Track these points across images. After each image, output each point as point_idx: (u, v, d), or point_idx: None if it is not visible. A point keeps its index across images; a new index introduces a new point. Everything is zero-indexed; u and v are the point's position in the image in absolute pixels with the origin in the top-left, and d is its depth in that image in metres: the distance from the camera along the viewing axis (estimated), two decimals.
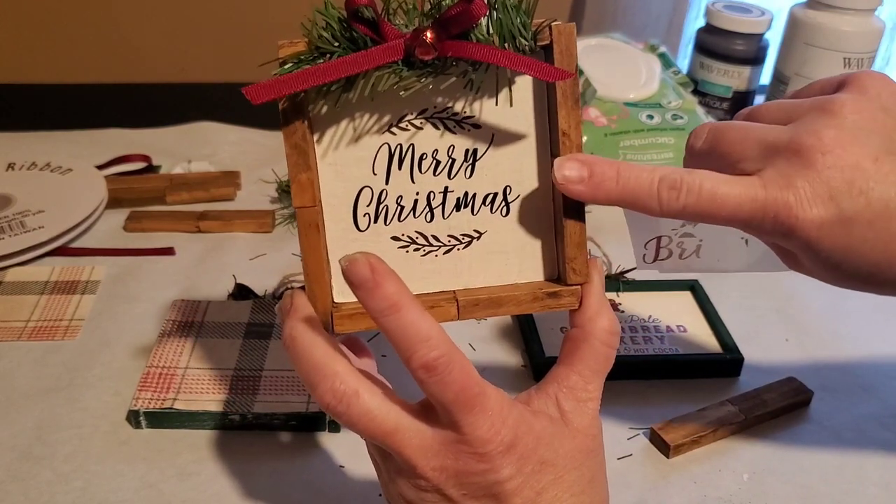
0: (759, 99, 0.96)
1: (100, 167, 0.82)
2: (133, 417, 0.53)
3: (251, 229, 0.75)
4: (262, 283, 0.67)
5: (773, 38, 0.92)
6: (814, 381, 0.59)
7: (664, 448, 0.53)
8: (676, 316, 0.64)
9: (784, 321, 0.66)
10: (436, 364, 0.34)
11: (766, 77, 0.93)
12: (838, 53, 0.82)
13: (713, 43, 0.92)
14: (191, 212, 0.75)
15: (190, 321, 0.60)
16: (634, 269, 0.69)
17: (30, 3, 1.05)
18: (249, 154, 0.87)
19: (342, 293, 0.40)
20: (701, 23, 0.96)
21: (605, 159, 0.38)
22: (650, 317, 0.64)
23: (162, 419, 0.53)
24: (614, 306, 0.65)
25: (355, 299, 0.38)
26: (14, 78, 1.05)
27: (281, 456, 0.52)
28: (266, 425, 0.53)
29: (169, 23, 1.08)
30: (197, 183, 0.80)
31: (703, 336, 0.62)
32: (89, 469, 0.50)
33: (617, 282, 0.67)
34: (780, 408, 0.56)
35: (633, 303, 0.66)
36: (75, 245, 0.71)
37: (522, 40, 0.36)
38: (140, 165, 0.84)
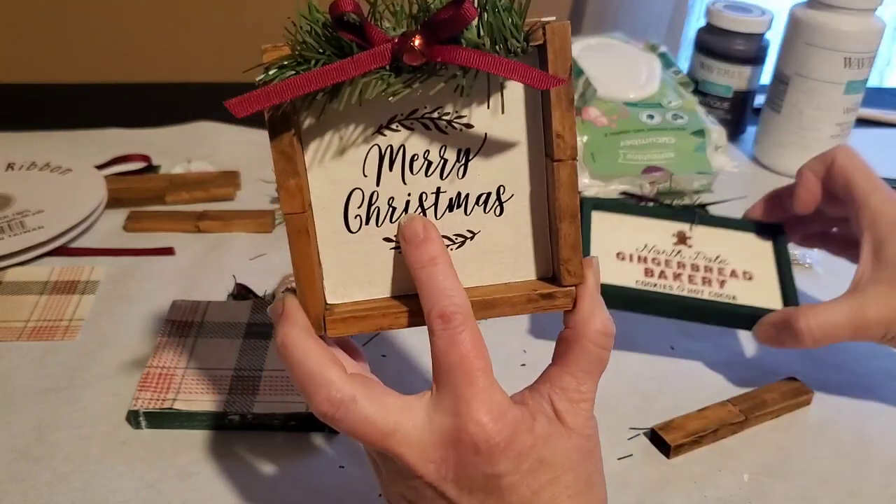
0: (759, 98, 0.96)
1: (100, 167, 0.82)
2: (133, 418, 0.53)
3: (251, 229, 0.75)
4: (262, 283, 0.67)
5: (774, 38, 0.92)
6: (814, 381, 0.59)
7: (664, 448, 0.53)
8: (747, 261, 0.61)
9: None
10: (452, 316, 0.36)
11: (766, 77, 0.93)
12: (838, 53, 0.82)
13: (713, 43, 0.92)
14: (190, 212, 0.75)
15: (190, 321, 0.60)
16: (715, 203, 0.69)
17: (30, 3, 1.05)
18: (249, 154, 0.86)
19: (334, 293, 0.39)
20: (701, 23, 0.96)
21: None
22: (717, 257, 0.61)
23: (162, 419, 0.53)
24: (683, 239, 0.63)
25: (347, 300, 0.39)
26: (14, 78, 1.05)
27: (281, 456, 0.52)
28: (266, 426, 0.53)
29: (169, 23, 1.08)
30: (196, 183, 0.80)
31: (766, 287, 0.59)
32: (89, 469, 0.50)
33: (693, 212, 0.64)
34: (780, 408, 0.56)
35: (705, 239, 0.62)
36: (75, 245, 0.71)
37: (514, 42, 0.35)
38: (140, 165, 0.84)
